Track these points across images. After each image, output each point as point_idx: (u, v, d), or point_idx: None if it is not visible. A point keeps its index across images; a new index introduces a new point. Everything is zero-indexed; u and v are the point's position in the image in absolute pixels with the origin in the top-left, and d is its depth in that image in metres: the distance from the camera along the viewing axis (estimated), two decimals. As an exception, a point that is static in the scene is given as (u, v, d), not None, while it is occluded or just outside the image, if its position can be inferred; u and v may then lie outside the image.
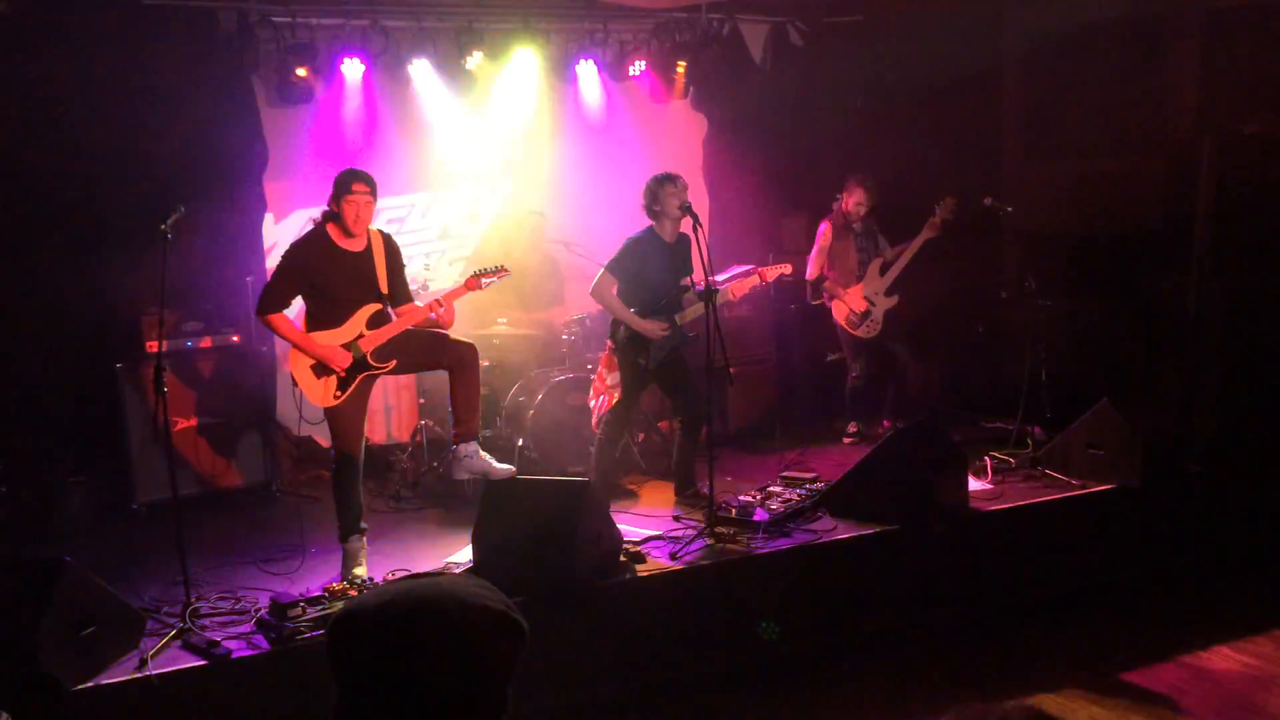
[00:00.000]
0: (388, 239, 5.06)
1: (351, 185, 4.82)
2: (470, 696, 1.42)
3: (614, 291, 5.84)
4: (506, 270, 5.34)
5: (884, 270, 7.12)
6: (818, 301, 7.71)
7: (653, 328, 5.79)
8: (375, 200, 4.92)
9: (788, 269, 6.30)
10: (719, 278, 5.85)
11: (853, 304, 7.09)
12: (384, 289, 5.00)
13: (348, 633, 1.45)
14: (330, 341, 4.87)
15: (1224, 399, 6.74)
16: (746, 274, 6.11)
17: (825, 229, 7.17)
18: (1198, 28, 7.38)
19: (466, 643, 1.42)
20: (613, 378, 5.93)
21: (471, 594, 1.47)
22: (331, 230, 4.89)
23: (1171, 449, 6.13)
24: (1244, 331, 6.74)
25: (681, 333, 5.91)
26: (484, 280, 5.22)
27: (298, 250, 4.87)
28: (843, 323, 7.16)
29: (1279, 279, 6.71)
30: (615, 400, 5.92)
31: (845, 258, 7.16)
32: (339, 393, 4.90)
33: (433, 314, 5.04)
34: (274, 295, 4.84)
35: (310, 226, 5.06)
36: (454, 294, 5.16)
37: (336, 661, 1.44)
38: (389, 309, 5.05)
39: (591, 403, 6.08)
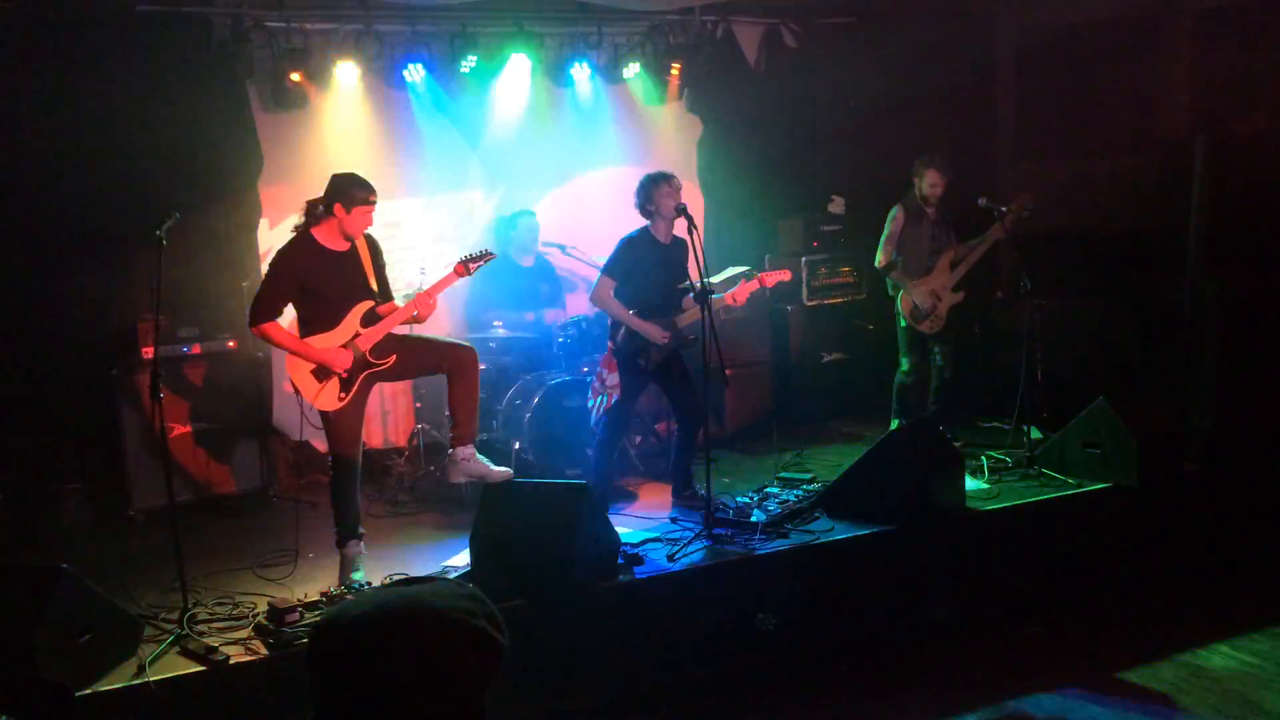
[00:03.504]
0: (368, 236, 5.05)
1: (369, 197, 4.82)
2: (443, 711, 1.42)
3: (612, 294, 5.83)
4: (492, 254, 5.33)
5: (954, 266, 6.85)
6: (814, 303, 7.69)
7: (654, 330, 5.79)
8: None
9: (787, 275, 6.26)
10: (713, 279, 5.85)
11: (917, 297, 6.80)
12: (373, 286, 5.00)
13: (325, 645, 1.46)
14: (328, 344, 4.86)
15: (1220, 397, 6.75)
16: (746, 278, 6.09)
17: (898, 214, 6.85)
18: (1190, 27, 7.41)
19: (439, 658, 1.42)
20: (612, 378, 5.93)
21: (450, 606, 1.47)
22: (318, 233, 4.86)
23: (1168, 448, 6.13)
24: (1239, 329, 6.75)
25: (680, 334, 5.91)
26: (471, 265, 5.20)
27: (286, 257, 4.84)
28: (907, 315, 6.86)
29: (1273, 277, 6.73)
30: (614, 401, 5.92)
31: (918, 245, 6.87)
32: (343, 394, 4.88)
33: (415, 311, 5.01)
34: (265, 305, 4.79)
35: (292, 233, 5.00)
36: (444, 282, 5.12)
37: (314, 672, 1.45)
38: (378, 306, 5.04)
39: (590, 403, 6.07)
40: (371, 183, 4.89)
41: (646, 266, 5.84)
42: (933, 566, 5.44)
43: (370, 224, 4.93)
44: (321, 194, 4.88)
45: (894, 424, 7.00)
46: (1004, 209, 6.74)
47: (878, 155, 8.07)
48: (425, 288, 5.16)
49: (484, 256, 5.26)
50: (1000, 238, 6.75)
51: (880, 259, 6.92)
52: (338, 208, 4.80)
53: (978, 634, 5.27)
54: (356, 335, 4.91)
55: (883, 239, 6.91)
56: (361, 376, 4.94)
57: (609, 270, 5.83)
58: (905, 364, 6.98)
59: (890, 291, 7.02)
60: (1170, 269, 7.14)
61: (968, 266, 6.85)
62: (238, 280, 6.66)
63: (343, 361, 4.85)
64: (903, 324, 6.92)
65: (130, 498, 6.13)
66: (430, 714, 1.41)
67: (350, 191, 4.80)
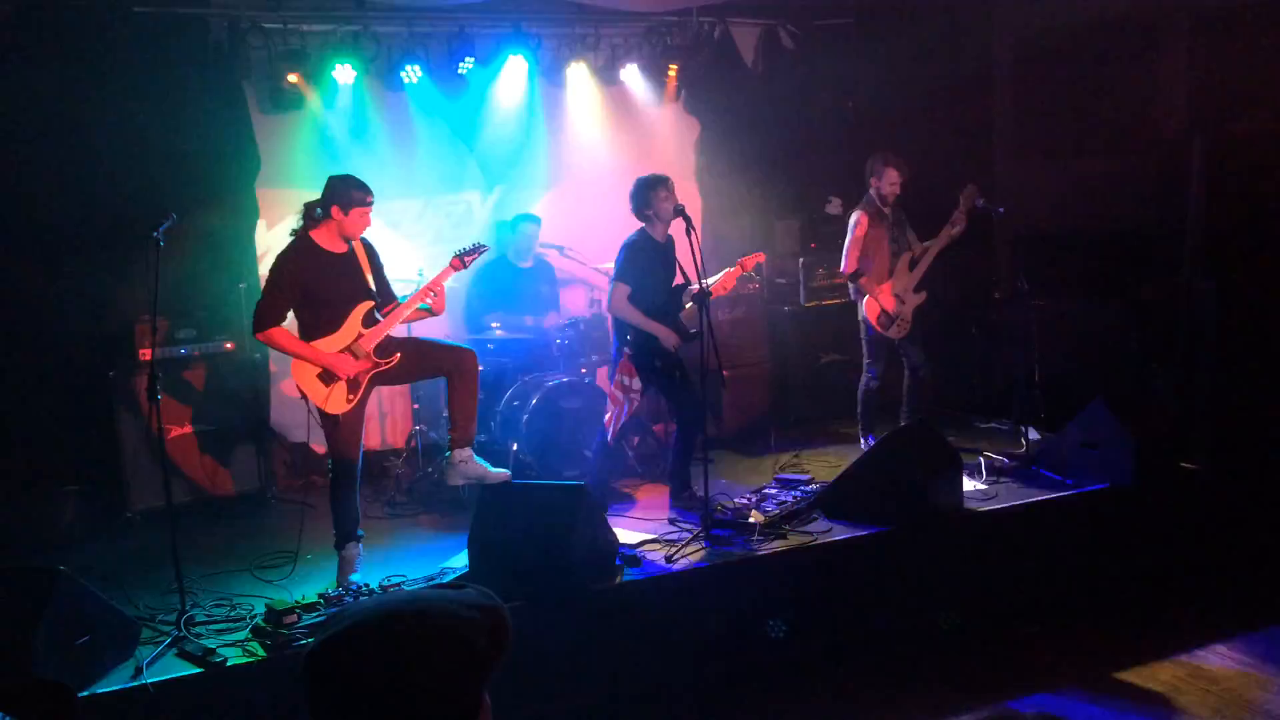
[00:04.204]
0: (363, 238, 5.04)
1: (366, 198, 4.82)
2: (436, 707, 1.41)
3: (628, 299, 5.79)
4: (486, 246, 5.36)
5: (913, 266, 6.74)
6: (812, 304, 7.69)
7: (670, 334, 5.79)
8: None
9: (761, 257, 6.28)
10: (711, 281, 5.85)
11: (886, 304, 6.67)
12: (372, 287, 5.01)
13: (318, 668, 1.43)
14: (332, 348, 4.86)
15: (1217, 397, 6.75)
16: (729, 269, 6.10)
17: (860, 218, 6.69)
18: (1187, 27, 7.41)
19: (419, 656, 1.41)
20: (635, 383, 5.87)
21: (436, 605, 1.48)
22: (317, 236, 4.86)
23: (1165, 448, 6.14)
24: (1236, 329, 6.75)
25: (686, 331, 5.90)
26: (467, 259, 5.22)
27: (286, 261, 4.83)
28: (874, 322, 6.71)
29: (1270, 277, 6.73)
30: (636, 406, 5.91)
31: (879, 250, 6.73)
32: (351, 395, 4.89)
33: (427, 300, 5.03)
34: (269, 310, 4.79)
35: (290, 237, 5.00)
36: (441, 277, 5.14)
37: (312, 694, 1.43)
38: (378, 307, 5.05)
39: (609, 414, 6.00)
40: (368, 184, 4.90)
41: (651, 268, 5.84)
42: (931, 567, 5.44)
43: (368, 224, 4.93)
44: (318, 196, 4.88)
45: (863, 442, 6.89)
46: (1000, 210, 6.71)
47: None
48: (421, 287, 5.15)
49: (477, 250, 5.29)
50: (956, 234, 6.63)
51: (846, 265, 6.75)
52: (335, 210, 4.80)
53: (976, 634, 5.27)
54: (359, 336, 4.92)
55: (847, 245, 6.74)
56: (368, 377, 4.94)
57: (622, 277, 5.80)
58: (874, 372, 6.84)
59: (853, 297, 6.88)
60: (1167, 269, 7.14)
61: (926, 265, 6.73)
62: (235, 282, 6.65)
63: (349, 368, 4.85)
64: (870, 333, 6.77)
65: (128, 499, 6.13)
66: (424, 711, 1.40)
67: (348, 193, 4.81)
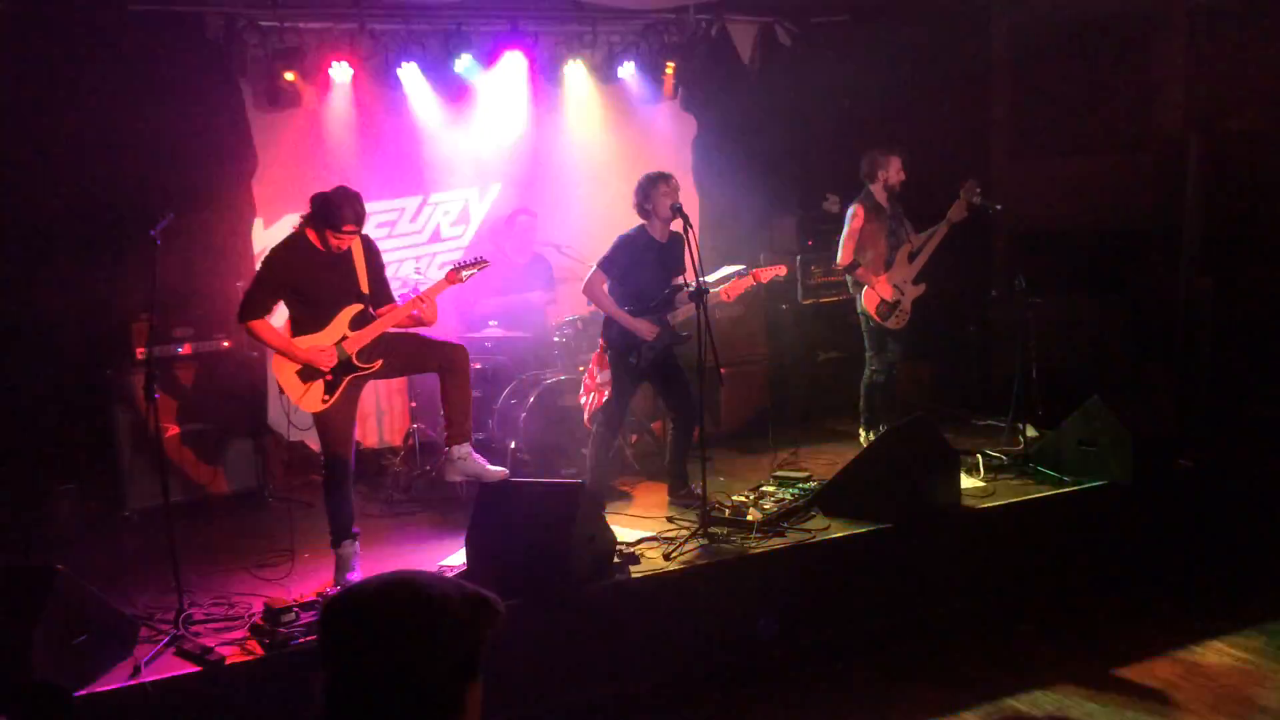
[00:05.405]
0: (365, 239, 5.00)
1: (343, 226, 4.69)
2: (440, 658, 1.56)
3: (604, 289, 5.83)
4: (486, 261, 5.31)
5: (912, 257, 6.76)
6: (809, 301, 7.69)
7: (644, 327, 5.79)
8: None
9: (782, 270, 6.22)
10: (709, 278, 5.85)
11: (884, 292, 6.68)
12: (365, 289, 4.97)
13: (336, 613, 1.62)
14: (314, 344, 4.85)
15: (1214, 394, 6.77)
16: (740, 275, 6.08)
17: (858, 210, 6.69)
18: (1184, 24, 7.42)
19: (433, 611, 1.57)
20: (603, 375, 5.92)
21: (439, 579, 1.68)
22: (311, 235, 4.83)
23: (1162, 445, 6.14)
24: (1233, 326, 6.77)
25: (674, 332, 5.90)
26: (464, 273, 5.17)
27: (276, 256, 4.82)
28: (872, 313, 6.72)
29: (1267, 274, 6.74)
30: (605, 398, 5.91)
31: (876, 242, 6.74)
32: (327, 396, 4.87)
33: (415, 311, 5.01)
34: (254, 302, 4.77)
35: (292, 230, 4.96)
36: (435, 289, 5.08)
37: (326, 640, 1.60)
38: (370, 309, 5.03)
39: (582, 400, 6.07)
40: (362, 202, 4.76)
41: (643, 265, 5.84)
42: (929, 564, 5.44)
43: (346, 246, 4.82)
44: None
45: (864, 435, 6.92)
46: (997, 207, 6.72)
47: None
48: (419, 289, 5.13)
49: (477, 264, 5.24)
50: (957, 220, 6.64)
51: (842, 257, 6.75)
52: (317, 224, 4.76)
53: (975, 632, 5.28)
54: (344, 338, 4.90)
55: (843, 237, 6.73)
56: (346, 380, 4.92)
57: (604, 266, 5.82)
58: (876, 363, 6.85)
59: (851, 290, 6.90)
60: (1164, 266, 7.15)
61: (926, 257, 6.75)
62: (232, 280, 6.64)
63: (327, 361, 4.83)
64: (870, 323, 6.79)
65: (125, 498, 6.13)
66: (427, 662, 1.55)
67: (325, 217, 4.70)
